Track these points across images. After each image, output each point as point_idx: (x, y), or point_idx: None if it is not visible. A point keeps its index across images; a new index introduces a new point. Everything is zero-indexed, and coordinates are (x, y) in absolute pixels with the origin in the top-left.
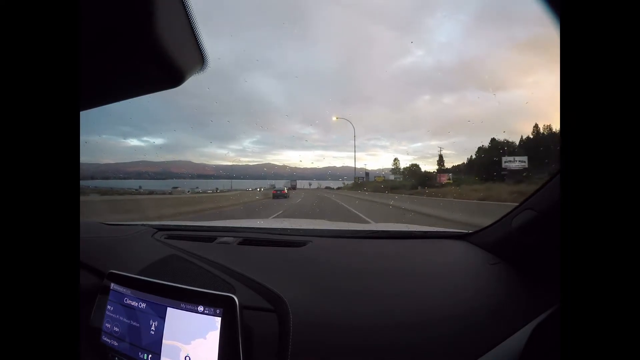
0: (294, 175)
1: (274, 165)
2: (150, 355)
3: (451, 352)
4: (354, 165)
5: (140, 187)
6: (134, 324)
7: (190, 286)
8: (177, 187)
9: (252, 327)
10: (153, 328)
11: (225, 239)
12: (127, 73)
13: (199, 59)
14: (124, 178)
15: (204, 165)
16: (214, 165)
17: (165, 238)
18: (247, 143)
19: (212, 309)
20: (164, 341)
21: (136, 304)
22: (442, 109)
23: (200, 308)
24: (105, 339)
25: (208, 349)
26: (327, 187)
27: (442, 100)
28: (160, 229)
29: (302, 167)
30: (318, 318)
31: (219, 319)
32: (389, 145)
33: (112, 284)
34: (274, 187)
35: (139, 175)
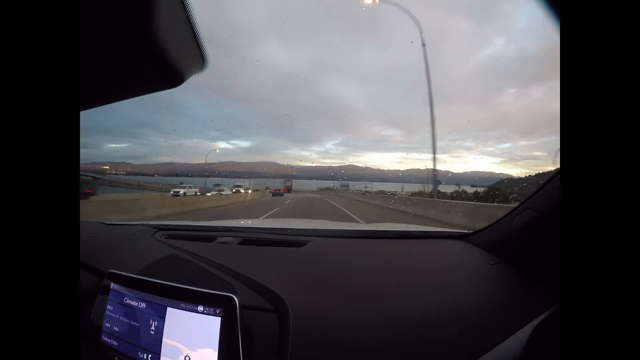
0: (376, 176)
1: (356, 167)
2: (150, 355)
3: (451, 352)
4: (437, 167)
5: (181, 183)
6: (134, 323)
7: (190, 286)
8: (218, 184)
9: (252, 327)
10: (153, 328)
11: (225, 238)
12: (127, 73)
13: (199, 59)
14: (209, 176)
15: (289, 167)
16: (298, 166)
17: (165, 238)
18: (329, 145)
19: (212, 309)
20: (163, 341)
21: (136, 303)
22: (530, 103)
23: (200, 308)
24: (105, 338)
25: (208, 349)
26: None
27: (530, 94)
28: (160, 228)
29: (384, 168)
30: (318, 318)
31: (219, 318)
32: (474, 147)
33: (112, 284)
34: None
35: (226, 174)
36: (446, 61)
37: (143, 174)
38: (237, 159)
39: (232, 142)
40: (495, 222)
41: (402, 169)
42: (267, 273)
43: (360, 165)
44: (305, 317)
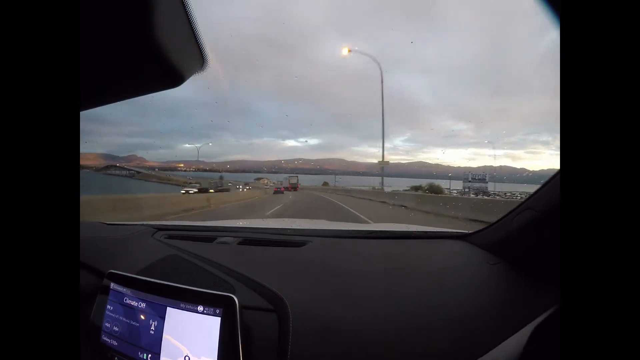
0: (444, 174)
1: (426, 164)
2: (149, 355)
3: (451, 352)
4: (511, 165)
5: (221, 177)
6: (134, 323)
7: (190, 286)
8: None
9: (252, 327)
10: (153, 328)
11: (225, 239)
12: (127, 73)
13: (199, 59)
14: (276, 172)
15: (356, 163)
16: (365, 163)
17: (165, 238)
18: (397, 141)
19: (212, 309)
20: (163, 341)
21: (136, 303)
22: None
23: (200, 308)
24: (105, 338)
25: (208, 349)
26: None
27: None
28: (160, 228)
29: (455, 165)
30: (318, 318)
31: (219, 318)
32: (551, 141)
33: (112, 284)
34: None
35: (292, 171)
36: (516, 46)
37: (214, 171)
38: (305, 156)
39: (300, 140)
40: (495, 222)
41: (473, 165)
42: (267, 273)
43: (430, 162)
44: (305, 317)
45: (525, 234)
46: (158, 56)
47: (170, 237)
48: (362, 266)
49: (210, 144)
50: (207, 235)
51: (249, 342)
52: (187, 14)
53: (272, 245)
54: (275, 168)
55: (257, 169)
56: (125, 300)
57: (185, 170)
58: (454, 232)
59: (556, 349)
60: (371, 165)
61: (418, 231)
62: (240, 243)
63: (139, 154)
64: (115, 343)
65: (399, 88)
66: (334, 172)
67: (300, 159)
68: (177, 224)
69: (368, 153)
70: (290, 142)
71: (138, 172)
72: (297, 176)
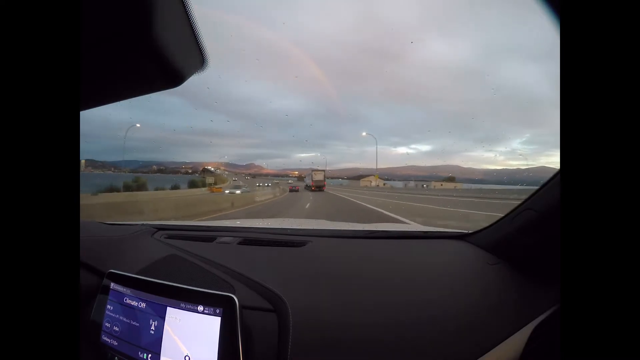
0: None
1: (548, 169)
2: (150, 355)
3: (451, 351)
4: None
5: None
6: (134, 323)
7: (190, 286)
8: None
9: (252, 327)
10: (153, 328)
11: (225, 238)
12: (127, 73)
13: (199, 59)
14: (389, 179)
15: (472, 170)
16: (482, 169)
17: (165, 238)
18: (515, 144)
19: (212, 309)
20: (163, 341)
21: (136, 303)
22: None
23: (200, 308)
24: (105, 338)
25: (208, 349)
26: None
27: None
28: (160, 228)
29: None
30: (318, 317)
31: (219, 318)
32: None
33: (112, 284)
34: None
35: (405, 178)
36: None
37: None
38: (418, 163)
39: (412, 146)
40: (495, 222)
41: None
42: (267, 273)
43: (552, 167)
44: (305, 317)
45: (525, 234)
46: (158, 56)
47: (170, 237)
48: (362, 266)
49: (319, 154)
50: (207, 235)
51: (249, 342)
52: (187, 14)
53: (272, 245)
54: (387, 175)
55: (369, 175)
56: (125, 300)
57: (297, 177)
58: (454, 232)
59: (556, 348)
60: (488, 171)
61: (418, 231)
62: (240, 243)
63: (257, 162)
64: (115, 343)
65: (511, 81)
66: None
67: (412, 166)
68: (177, 223)
69: (483, 158)
70: (402, 149)
71: (254, 177)
72: (323, 171)
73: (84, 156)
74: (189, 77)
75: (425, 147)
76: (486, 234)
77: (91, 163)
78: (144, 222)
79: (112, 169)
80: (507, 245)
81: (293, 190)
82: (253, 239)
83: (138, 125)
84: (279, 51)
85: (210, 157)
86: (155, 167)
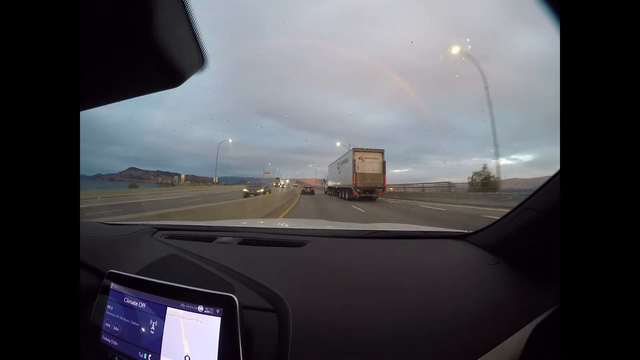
0: None
1: None
2: (150, 355)
3: (451, 351)
4: None
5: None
6: (134, 323)
7: (190, 286)
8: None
9: (252, 327)
10: (153, 328)
11: (225, 238)
12: (128, 73)
13: (199, 59)
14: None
15: None
16: None
17: (165, 238)
18: None
19: (212, 309)
20: (163, 341)
21: (136, 303)
22: None
23: (200, 308)
24: (105, 338)
25: (208, 349)
26: None
27: None
28: (160, 228)
29: None
30: (318, 318)
31: (219, 318)
32: None
33: (112, 284)
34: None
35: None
36: None
37: None
38: (519, 176)
39: (512, 157)
40: (495, 222)
41: None
42: (267, 273)
43: None
44: (305, 317)
45: (525, 234)
46: (158, 56)
47: (170, 237)
48: (361, 266)
49: (408, 169)
50: (207, 235)
51: (249, 342)
52: (187, 14)
53: (272, 245)
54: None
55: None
56: (125, 300)
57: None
58: (454, 232)
59: (556, 348)
60: None
61: (418, 231)
62: (240, 243)
63: None
64: (115, 343)
65: None
66: None
67: (514, 179)
68: (177, 223)
69: None
70: (501, 161)
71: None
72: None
73: (185, 172)
74: (189, 77)
75: (525, 157)
76: (486, 233)
77: (191, 178)
78: (144, 222)
79: (209, 182)
80: (507, 245)
81: (307, 192)
82: (253, 239)
83: (230, 140)
84: (361, 69)
85: (305, 173)
86: (249, 181)
